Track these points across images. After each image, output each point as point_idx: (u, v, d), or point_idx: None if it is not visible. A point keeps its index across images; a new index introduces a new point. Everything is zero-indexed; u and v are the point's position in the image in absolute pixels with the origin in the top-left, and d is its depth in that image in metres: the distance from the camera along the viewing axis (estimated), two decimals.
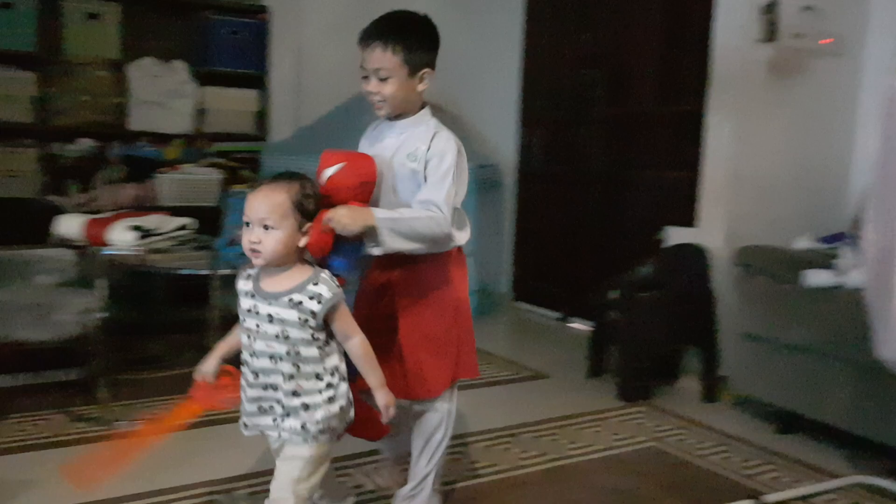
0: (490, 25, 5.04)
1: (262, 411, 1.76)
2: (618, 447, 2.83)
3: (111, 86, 4.44)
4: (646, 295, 3.32)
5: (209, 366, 1.85)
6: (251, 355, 1.74)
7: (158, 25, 4.62)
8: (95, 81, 4.38)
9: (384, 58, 1.94)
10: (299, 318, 1.69)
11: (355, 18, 5.53)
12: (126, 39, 4.47)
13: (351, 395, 1.82)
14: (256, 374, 1.74)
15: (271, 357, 1.71)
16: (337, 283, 1.74)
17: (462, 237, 2.06)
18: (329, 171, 1.89)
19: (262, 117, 4.93)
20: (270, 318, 1.70)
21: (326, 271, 1.76)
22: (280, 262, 1.73)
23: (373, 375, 1.81)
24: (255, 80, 4.86)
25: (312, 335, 1.71)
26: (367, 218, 1.87)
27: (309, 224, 1.74)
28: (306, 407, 1.72)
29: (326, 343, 1.75)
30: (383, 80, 1.96)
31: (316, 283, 1.71)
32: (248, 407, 1.77)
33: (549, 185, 4.78)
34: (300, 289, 1.71)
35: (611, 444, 2.86)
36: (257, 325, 1.72)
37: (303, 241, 1.73)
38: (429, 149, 1.98)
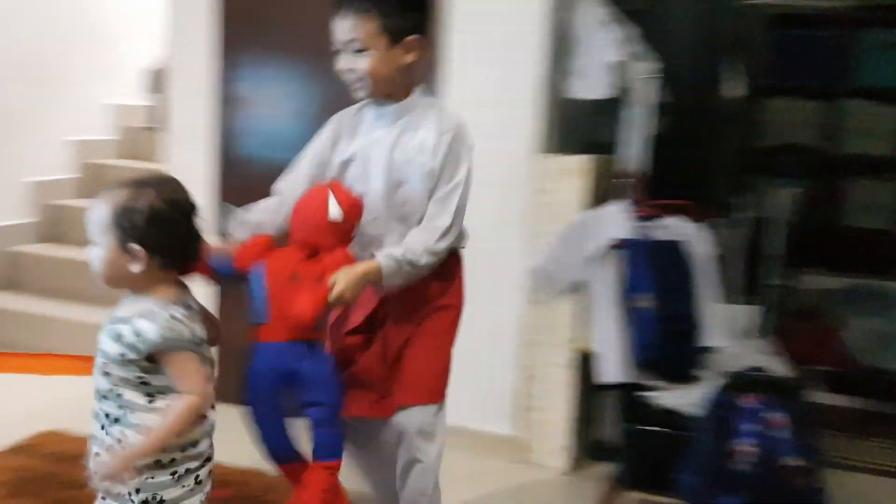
0: None
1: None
2: None
3: None
4: None
5: None
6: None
7: None
8: None
9: (356, 26, 1.65)
10: (121, 355, 1.40)
11: None
12: None
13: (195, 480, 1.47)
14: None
15: (98, 391, 1.46)
16: (175, 325, 1.41)
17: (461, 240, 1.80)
18: (336, 212, 1.66)
19: None
20: (99, 346, 1.45)
21: (177, 307, 1.44)
22: (124, 287, 1.47)
23: (149, 434, 1.41)
24: None
25: (139, 378, 1.42)
26: (368, 274, 1.65)
27: (136, 247, 1.41)
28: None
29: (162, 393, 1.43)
30: (357, 52, 1.66)
31: (145, 317, 1.41)
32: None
33: None
34: (126, 319, 1.42)
35: None
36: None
37: (135, 267, 1.42)
38: (445, 145, 1.70)
